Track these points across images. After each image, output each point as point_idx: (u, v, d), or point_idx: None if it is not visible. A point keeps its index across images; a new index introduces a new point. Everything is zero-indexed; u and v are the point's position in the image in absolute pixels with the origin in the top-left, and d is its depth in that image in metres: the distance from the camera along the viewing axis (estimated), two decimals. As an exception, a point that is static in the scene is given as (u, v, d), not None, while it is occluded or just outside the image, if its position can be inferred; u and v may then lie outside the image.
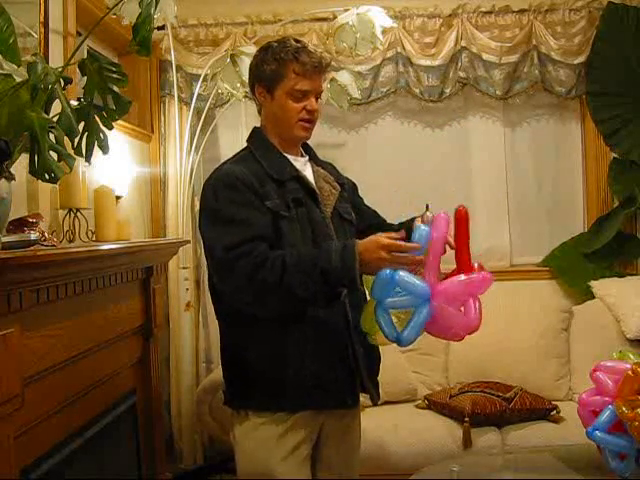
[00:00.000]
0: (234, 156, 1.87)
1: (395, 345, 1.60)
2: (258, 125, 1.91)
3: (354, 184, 2.04)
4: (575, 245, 3.53)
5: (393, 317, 1.58)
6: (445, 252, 1.66)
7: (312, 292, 1.62)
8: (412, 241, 1.58)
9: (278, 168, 1.79)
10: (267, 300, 1.65)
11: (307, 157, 1.91)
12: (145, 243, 2.55)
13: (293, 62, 1.76)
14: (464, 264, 1.65)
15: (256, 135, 1.88)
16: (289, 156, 1.84)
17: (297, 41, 1.81)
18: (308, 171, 1.88)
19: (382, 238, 1.60)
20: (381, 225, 1.98)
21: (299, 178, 1.80)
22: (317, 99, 1.82)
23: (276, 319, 1.70)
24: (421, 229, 1.60)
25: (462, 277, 1.61)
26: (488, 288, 1.63)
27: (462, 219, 1.66)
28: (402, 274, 1.54)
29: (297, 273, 1.61)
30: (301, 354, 1.71)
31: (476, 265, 1.66)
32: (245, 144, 1.91)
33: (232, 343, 1.81)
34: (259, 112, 1.90)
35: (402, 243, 1.59)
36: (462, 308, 1.63)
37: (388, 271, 1.54)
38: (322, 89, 1.84)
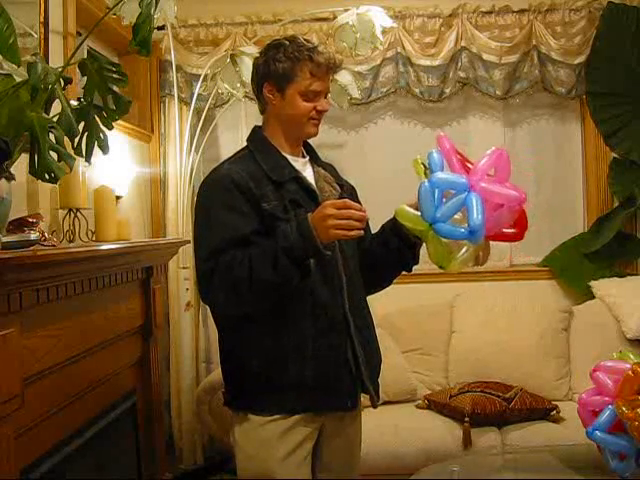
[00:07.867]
0: (233, 155, 1.86)
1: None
2: (258, 124, 1.89)
3: (353, 187, 2.02)
4: (575, 245, 3.53)
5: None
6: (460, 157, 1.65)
7: (281, 273, 1.62)
8: (430, 170, 1.60)
9: (277, 169, 1.77)
10: (244, 296, 1.64)
11: (307, 157, 1.90)
12: (145, 243, 2.55)
13: (308, 62, 1.75)
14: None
15: (256, 135, 1.87)
16: (289, 157, 1.83)
17: (307, 41, 1.80)
18: (308, 172, 1.86)
19: (327, 201, 1.65)
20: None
21: (298, 179, 1.79)
22: (325, 97, 1.82)
23: (264, 314, 1.70)
24: (433, 154, 1.61)
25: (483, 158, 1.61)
26: (510, 162, 1.62)
27: (442, 145, 1.65)
28: (439, 175, 1.56)
29: (262, 261, 1.62)
30: (301, 356, 1.71)
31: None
32: (245, 144, 1.90)
33: (230, 345, 1.81)
34: (261, 111, 1.87)
35: (346, 200, 1.63)
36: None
37: (425, 182, 1.56)
38: (330, 88, 1.85)
